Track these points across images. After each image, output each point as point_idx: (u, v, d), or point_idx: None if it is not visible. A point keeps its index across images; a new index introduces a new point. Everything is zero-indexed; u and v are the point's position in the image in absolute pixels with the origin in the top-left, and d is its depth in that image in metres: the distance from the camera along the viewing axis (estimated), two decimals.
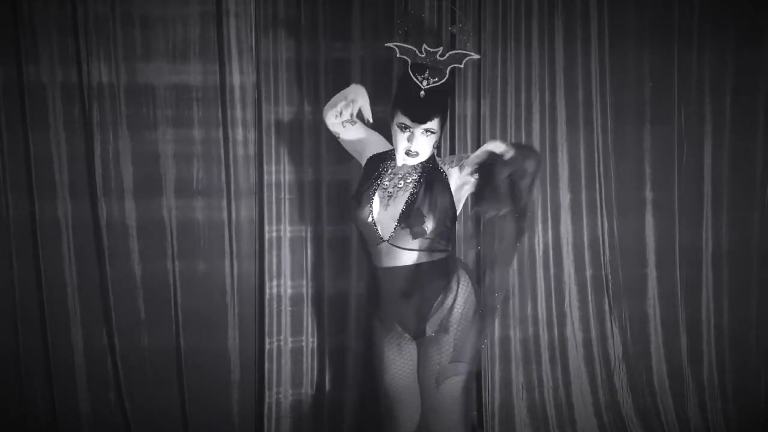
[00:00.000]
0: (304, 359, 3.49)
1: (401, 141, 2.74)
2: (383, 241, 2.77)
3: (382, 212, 2.78)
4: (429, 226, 2.74)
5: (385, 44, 2.80)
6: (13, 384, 3.43)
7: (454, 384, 2.82)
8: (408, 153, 2.75)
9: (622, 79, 3.54)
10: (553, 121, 3.50)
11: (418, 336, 2.83)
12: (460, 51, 2.77)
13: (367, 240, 2.83)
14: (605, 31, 3.50)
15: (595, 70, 3.51)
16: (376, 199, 2.79)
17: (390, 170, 2.84)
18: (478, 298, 2.84)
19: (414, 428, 2.90)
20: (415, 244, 2.76)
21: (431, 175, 2.80)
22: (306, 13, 3.33)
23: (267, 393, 3.46)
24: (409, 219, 2.73)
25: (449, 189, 2.79)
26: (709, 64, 3.57)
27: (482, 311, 2.85)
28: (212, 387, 3.47)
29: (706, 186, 3.64)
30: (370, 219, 2.77)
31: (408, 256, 2.77)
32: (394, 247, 2.76)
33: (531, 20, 3.44)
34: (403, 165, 2.82)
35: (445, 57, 2.73)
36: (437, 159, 2.87)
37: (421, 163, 2.82)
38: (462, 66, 2.79)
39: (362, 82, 3.31)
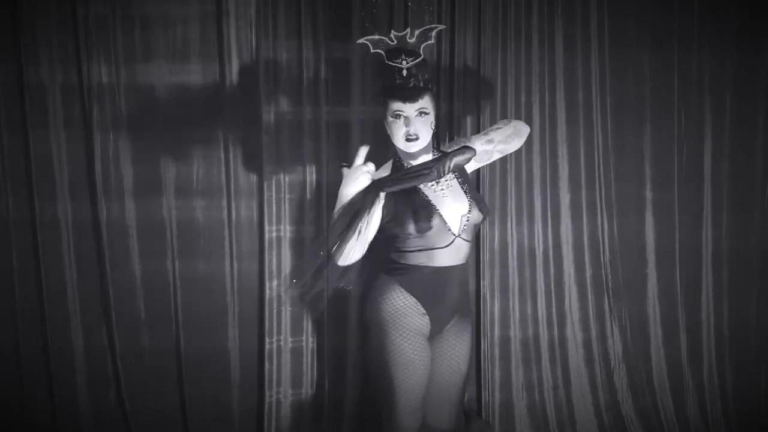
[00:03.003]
0: (304, 359, 3.48)
1: (399, 129, 2.75)
2: (456, 237, 2.81)
3: (448, 211, 2.81)
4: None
5: (357, 41, 2.83)
6: (13, 384, 3.43)
7: (462, 378, 2.91)
8: (408, 139, 2.75)
9: (622, 79, 3.54)
10: (553, 121, 3.50)
11: (441, 331, 2.86)
12: (425, 27, 2.82)
13: (432, 244, 2.80)
14: (605, 31, 3.49)
15: (595, 70, 3.51)
16: (438, 202, 2.81)
17: None
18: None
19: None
20: (471, 235, 2.87)
21: None
22: (306, 13, 3.33)
23: (267, 393, 3.46)
24: (480, 202, 2.87)
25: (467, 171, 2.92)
26: (709, 65, 3.57)
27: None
28: (212, 387, 3.47)
29: (706, 186, 3.64)
30: (442, 222, 2.79)
31: (465, 252, 2.86)
32: (464, 242, 2.83)
33: (531, 20, 3.44)
34: (425, 161, 2.80)
35: (414, 38, 2.81)
36: (444, 149, 2.91)
37: (434, 154, 2.86)
38: (433, 41, 2.84)
39: (362, 83, 3.34)
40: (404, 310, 2.84)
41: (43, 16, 3.30)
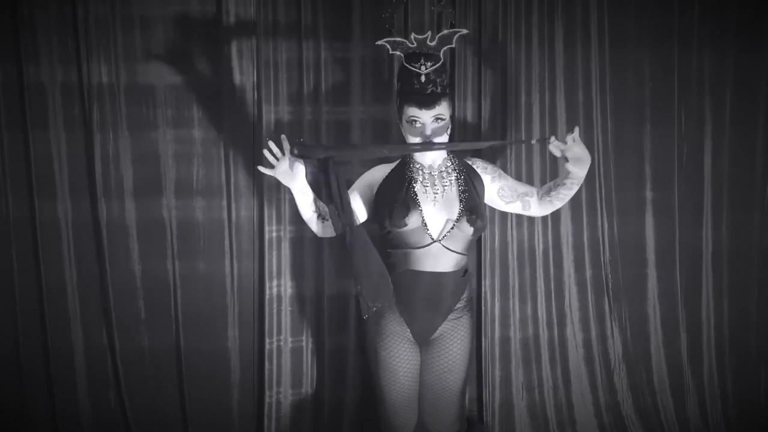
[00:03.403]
0: (304, 359, 3.49)
1: (414, 136, 2.72)
2: (434, 242, 2.76)
3: (433, 213, 2.78)
4: (486, 220, 2.80)
5: (376, 42, 2.81)
6: (13, 384, 3.44)
7: (456, 382, 2.85)
8: None
9: (622, 79, 3.53)
10: (553, 121, 3.50)
11: (427, 339, 2.84)
12: (448, 31, 2.78)
13: (410, 243, 2.79)
14: (605, 31, 3.49)
15: (595, 70, 3.50)
16: (423, 201, 2.79)
17: (421, 173, 2.82)
18: (475, 301, 2.88)
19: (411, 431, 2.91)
20: (459, 246, 2.79)
21: (469, 173, 2.84)
22: (306, 13, 3.33)
23: (267, 393, 3.46)
24: (471, 214, 2.76)
25: (484, 190, 2.84)
26: (709, 64, 3.57)
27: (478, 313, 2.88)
28: (212, 387, 3.47)
29: (706, 186, 3.64)
30: (420, 222, 2.76)
31: (448, 262, 2.79)
32: (446, 250, 2.77)
33: (531, 20, 3.44)
34: (435, 163, 2.81)
35: (435, 41, 2.76)
36: (466, 160, 2.89)
37: (451, 159, 2.83)
38: (454, 45, 2.81)
39: (362, 82, 3.35)
40: (380, 311, 2.84)
41: (43, 16, 3.30)
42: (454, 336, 2.85)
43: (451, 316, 2.85)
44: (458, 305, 2.86)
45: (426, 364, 2.86)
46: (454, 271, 2.81)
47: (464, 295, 2.88)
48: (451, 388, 2.87)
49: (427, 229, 2.77)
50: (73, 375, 3.45)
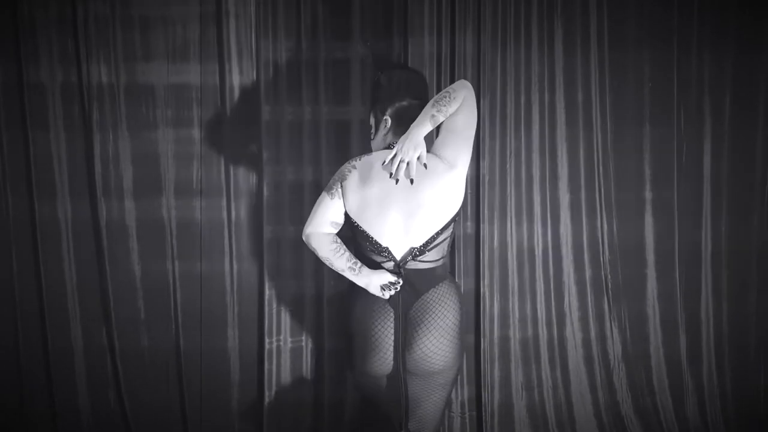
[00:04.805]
0: (304, 359, 3.49)
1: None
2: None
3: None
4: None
5: None
6: (13, 384, 3.44)
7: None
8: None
9: (622, 79, 3.54)
10: (552, 121, 3.50)
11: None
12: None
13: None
14: (605, 31, 3.50)
15: (595, 70, 3.51)
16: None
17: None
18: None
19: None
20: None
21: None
22: (306, 13, 3.34)
23: (267, 393, 3.46)
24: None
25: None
26: (708, 65, 3.57)
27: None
28: (212, 387, 3.48)
29: (705, 186, 3.64)
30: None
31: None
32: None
33: (531, 20, 3.44)
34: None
35: None
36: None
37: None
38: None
39: (362, 82, 3.35)
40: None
41: (43, 15, 3.31)
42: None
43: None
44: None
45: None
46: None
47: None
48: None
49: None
50: (73, 375, 3.45)
